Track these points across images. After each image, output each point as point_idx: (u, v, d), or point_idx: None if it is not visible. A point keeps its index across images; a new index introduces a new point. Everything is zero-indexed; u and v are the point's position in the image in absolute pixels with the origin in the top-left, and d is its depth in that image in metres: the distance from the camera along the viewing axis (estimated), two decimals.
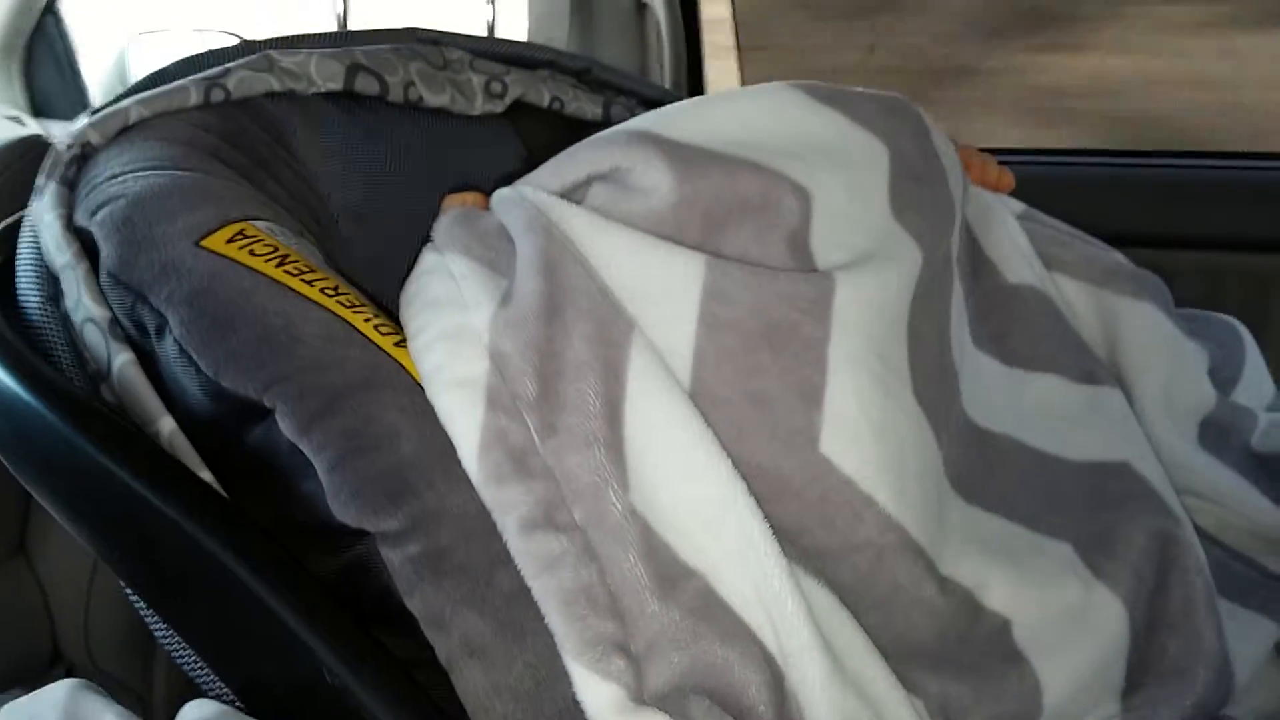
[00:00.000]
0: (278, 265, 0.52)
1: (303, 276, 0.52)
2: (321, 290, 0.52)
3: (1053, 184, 1.26)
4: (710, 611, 0.47)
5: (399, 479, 0.47)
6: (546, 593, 0.46)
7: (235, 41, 0.72)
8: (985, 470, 0.59)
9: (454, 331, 0.51)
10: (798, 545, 0.50)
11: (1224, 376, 0.70)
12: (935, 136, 0.64)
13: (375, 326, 0.52)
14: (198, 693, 0.51)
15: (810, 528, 0.50)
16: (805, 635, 0.46)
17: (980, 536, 0.55)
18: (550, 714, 0.45)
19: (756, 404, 0.51)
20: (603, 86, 0.85)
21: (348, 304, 0.52)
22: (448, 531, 0.47)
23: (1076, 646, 0.53)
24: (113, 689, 0.91)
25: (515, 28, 1.58)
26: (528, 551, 0.47)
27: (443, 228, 0.58)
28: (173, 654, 0.51)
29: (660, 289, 0.52)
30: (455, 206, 0.61)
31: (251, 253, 0.52)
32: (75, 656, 0.89)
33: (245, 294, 0.51)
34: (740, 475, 0.48)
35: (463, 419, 0.49)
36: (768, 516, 0.48)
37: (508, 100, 0.79)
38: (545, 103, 0.81)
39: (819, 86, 0.62)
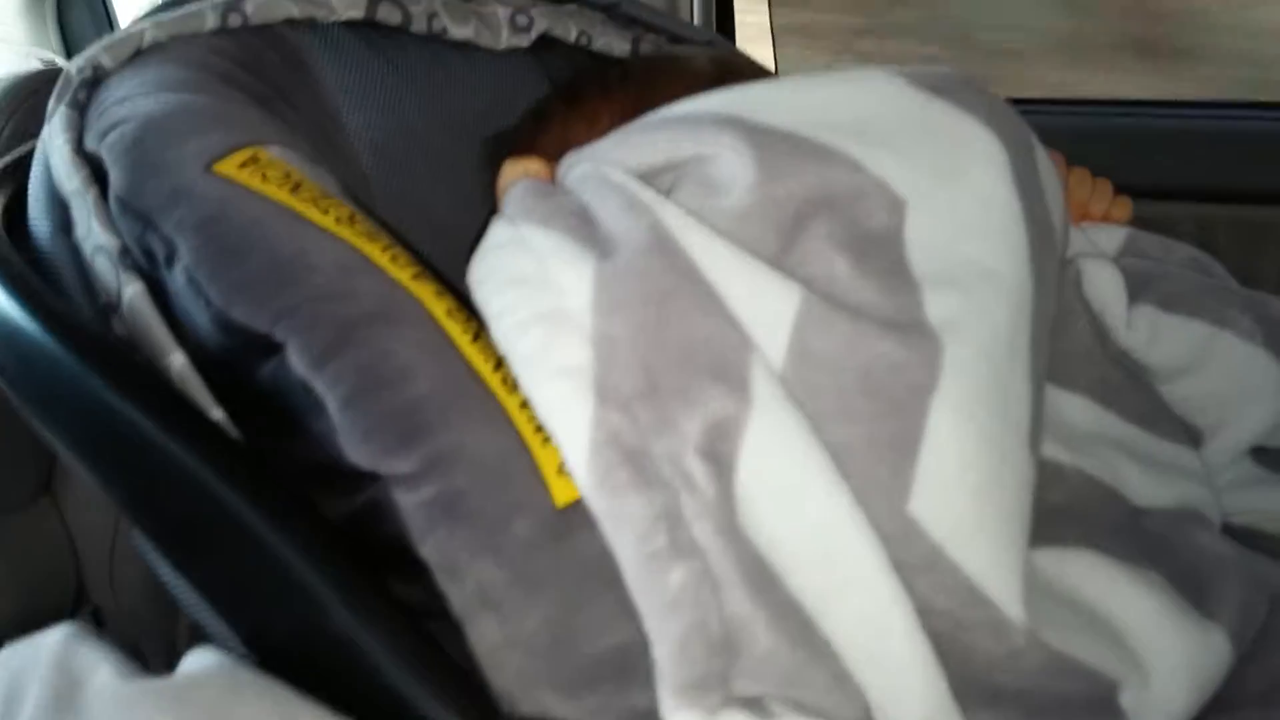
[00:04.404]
0: (291, 191, 0.49)
1: (316, 204, 0.49)
2: (336, 219, 0.49)
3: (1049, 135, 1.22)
4: (814, 646, 0.44)
5: (413, 418, 0.45)
6: (664, 634, 0.43)
7: None
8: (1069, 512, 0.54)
9: (548, 314, 0.46)
10: None
11: None
12: (1039, 150, 0.57)
13: (391, 257, 0.49)
14: None
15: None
16: (912, 678, 0.43)
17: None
18: (567, 672, 0.43)
19: (844, 452, 0.46)
20: (631, 22, 0.81)
21: (363, 233, 0.49)
22: (464, 474, 0.44)
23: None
24: (139, 631, 0.91)
25: None
26: (651, 588, 0.43)
27: (515, 198, 0.52)
28: (179, 599, 0.50)
29: (749, 313, 0.47)
30: (522, 177, 0.55)
31: (264, 178, 0.49)
32: (101, 599, 0.89)
33: (257, 221, 0.48)
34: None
35: (570, 414, 0.44)
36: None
37: (534, 34, 0.75)
38: (572, 38, 0.78)
39: (925, 74, 0.55)
